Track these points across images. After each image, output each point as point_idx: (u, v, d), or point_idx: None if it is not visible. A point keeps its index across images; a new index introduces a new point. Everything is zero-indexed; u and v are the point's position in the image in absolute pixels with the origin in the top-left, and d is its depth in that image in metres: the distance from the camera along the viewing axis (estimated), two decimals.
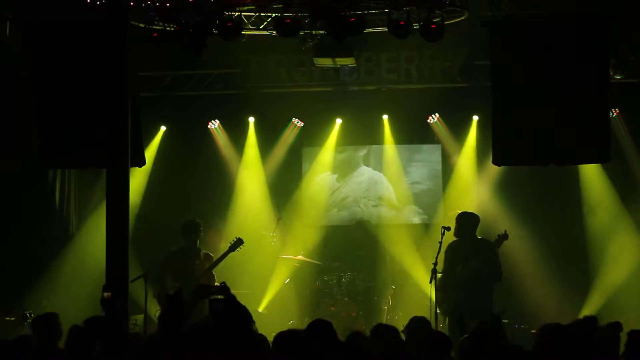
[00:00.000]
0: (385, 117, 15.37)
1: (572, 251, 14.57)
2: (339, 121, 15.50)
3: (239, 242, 12.79)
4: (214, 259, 12.71)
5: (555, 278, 14.37)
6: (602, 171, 14.50)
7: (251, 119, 15.52)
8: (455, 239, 12.06)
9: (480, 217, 12.60)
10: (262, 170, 15.64)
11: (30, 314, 11.46)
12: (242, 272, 14.42)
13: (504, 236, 12.00)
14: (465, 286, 11.82)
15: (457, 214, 12.60)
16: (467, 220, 12.18)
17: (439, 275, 12.04)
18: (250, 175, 15.62)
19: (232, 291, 6.91)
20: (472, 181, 15.14)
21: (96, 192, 14.80)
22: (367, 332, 7.87)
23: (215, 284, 12.71)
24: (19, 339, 7.30)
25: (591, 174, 14.60)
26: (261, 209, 15.44)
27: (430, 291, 11.96)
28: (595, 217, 14.70)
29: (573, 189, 14.72)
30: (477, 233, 12.43)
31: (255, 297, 14.43)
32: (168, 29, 11.64)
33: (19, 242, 14.13)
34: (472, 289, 11.81)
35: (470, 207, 14.01)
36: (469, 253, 11.93)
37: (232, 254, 12.79)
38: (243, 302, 7.16)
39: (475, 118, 15.04)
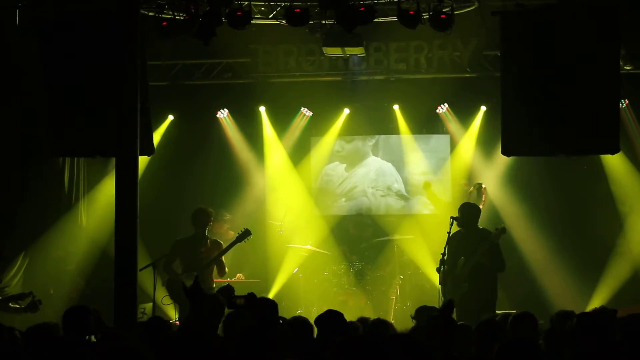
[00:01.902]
0: (396, 107, 15.35)
1: (582, 243, 14.54)
2: (346, 111, 15.49)
3: (246, 233, 12.82)
4: (223, 247, 12.77)
5: (566, 269, 14.37)
6: (627, 161, 14.43)
7: (262, 108, 15.51)
8: (457, 229, 12.08)
9: (490, 207, 12.64)
10: (273, 159, 15.66)
11: (40, 302, 11.49)
12: (251, 261, 14.45)
13: (502, 230, 11.99)
14: (470, 277, 11.86)
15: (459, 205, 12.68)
16: (470, 212, 12.21)
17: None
18: (259, 164, 15.62)
19: (243, 280, 6.88)
20: (480, 171, 15.13)
21: (105, 179, 14.83)
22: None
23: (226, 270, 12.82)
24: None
25: (616, 165, 14.54)
26: (269, 198, 15.46)
27: (439, 281, 12.01)
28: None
29: (584, 179, 14.67)
30: (485, 223, 12.49)
31: (264, 286, 14.47)
32: (177, 17, 11.65)
33: (26, 229, 14.13)
34: (477, 280, 11.85)
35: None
36: (473, 244, 11.96)
37: (240, 243, 12.84)
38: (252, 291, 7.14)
39: (484, 108, 15.02)
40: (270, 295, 14.39)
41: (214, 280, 12.96)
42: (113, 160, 13.33)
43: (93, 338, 7.68)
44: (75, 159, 14.63)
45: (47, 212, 14.40)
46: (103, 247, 14.25)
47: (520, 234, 14.44)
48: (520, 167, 14.65)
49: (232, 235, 14.01)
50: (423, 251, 14.46)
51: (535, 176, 14.59)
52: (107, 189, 14.45)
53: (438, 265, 12.06)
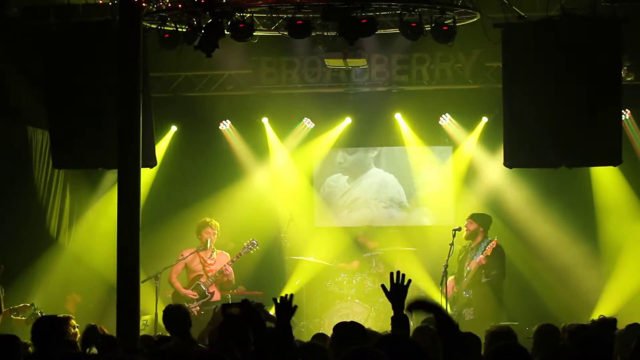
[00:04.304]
0: (398, 118, 15.34)
1: (585, 252, 14.51)
2: (348, 120, 15.45)
3: (253, 244, 12.85)
4: (229, 259, 12.82)
5: (567, 280, 14.35)
6: (616, 172, 14.39)
7: (265, 119, 15.49)
8: (467, 241, 12.14)
9: (492, 219, 12.65)
10: (275, 171, 15.66)
11: (41, 313, 11.50)
12: (254, 273, 14.44)
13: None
14: (472, 286, 11.92)
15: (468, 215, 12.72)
16: (480, 222, 12.25)
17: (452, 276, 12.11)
18: (262, 175, 15.60)
19: (245, 292, 6.74)
20: (482, 182, 15.10)
21: (87, 197, 14.74)
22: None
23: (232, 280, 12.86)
24: None
25: (604, 175, 14.49)
26: (272, 210, 15.43)
27: (440, 292, 12.01)
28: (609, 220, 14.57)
29: (586, 188, 14.64)
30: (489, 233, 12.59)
31: (267, 298, 14.43)
32: (180, 29, 11.68)
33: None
34: (481, 290, 11.90)
35: (481, 208, 14.05)
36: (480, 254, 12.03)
37: (243, 255, 12.87)
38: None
39: (485, 119, 15.00)
40: (273, 308, 14.37)
41: (221, 292, 13.04)
42: (103, 176, 13.39)
43: (94, 350, 7.67)
44: (54, 175, 14.48)
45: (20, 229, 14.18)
46: (87, 266, 14.23)
47: (521, 244, 14.41)
48: (522, 177, 14.60)
49: (233, 246, 14.02)
50: (426, 262, 14.44)
51: (537, 185, 14.57)
52: (90, 206, 14.47)
53: (441, 279, 12.08)
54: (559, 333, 7.85)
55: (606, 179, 14.50)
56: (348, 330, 6.64)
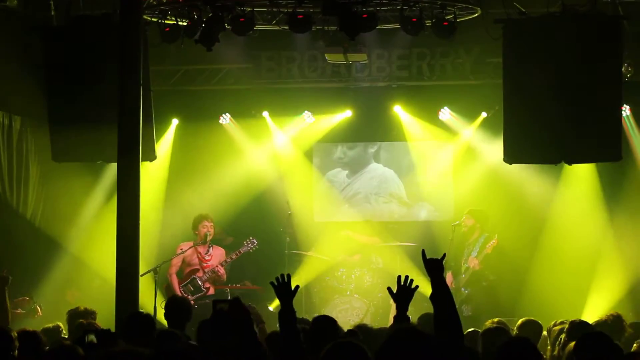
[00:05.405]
0: (397, 113, 15.34)
1: (582, 248, 14.53)
2: (348, 113, 15.44)
3: (252, 243, 12.86)
4: (226, 255, 12.81)
5: (566, 276, 14.36)
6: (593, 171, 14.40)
7: (265, 113, 15.49)
8: (469, 237, 12.19)
9: (489, 215, 12.67)
10: (275, 165, 15.66)
11: (40, 307, 11.49)
12: (252, 268, 14.44)
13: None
14: (469, 283, 11.97)
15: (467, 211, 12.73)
16: (477, 218, 12.28)
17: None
18: (262, 169, 15.60)
19: (245, 287, 6.69)
20: (482, 177, 15.10)
21: (86, 192, 14.67)
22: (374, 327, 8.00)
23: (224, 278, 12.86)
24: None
25: (602, 170, 14.49)
26: (272, 205, 15.43)
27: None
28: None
29: (585, 183, 14.66)
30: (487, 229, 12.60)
31: (266, 294, 14.44)
32: (180, 23, 11.68)
33: None
34: (477, 286, 11.95)
35: (481, 203, 14.05)
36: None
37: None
38: (254, 300, 7.05)
39: (485, 115, 15.00)
40: (273, 304, 14.39)
41: (216, 287, 13.03)
42: (102, 170, 13.33)
43: (94, 338, 7.65)
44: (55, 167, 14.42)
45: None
46: (89, 266, 14.20)
47: (520, 239, 14.41)
48: (521, 173, 14.60)
49: (232, 241, 14.03)
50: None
51: (535, 182, 14.57)
52: (96, 200, 14.45)
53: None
54: (541, 329, 7.91)
55: (603, 174, 14.50)
56: (323, 324, 6.73)
